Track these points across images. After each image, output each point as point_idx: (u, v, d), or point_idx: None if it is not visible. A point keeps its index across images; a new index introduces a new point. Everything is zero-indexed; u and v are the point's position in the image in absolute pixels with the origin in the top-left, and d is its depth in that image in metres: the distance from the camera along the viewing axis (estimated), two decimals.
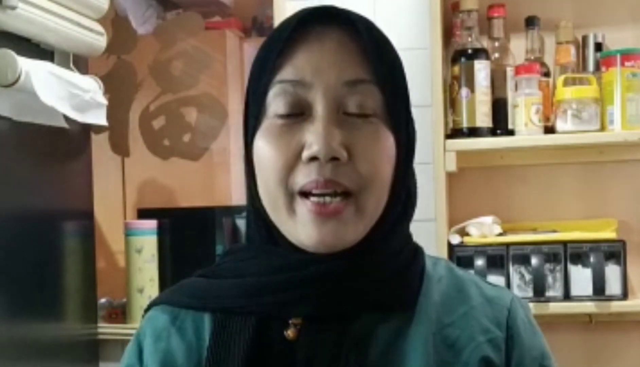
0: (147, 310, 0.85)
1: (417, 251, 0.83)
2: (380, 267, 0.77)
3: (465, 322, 0.78)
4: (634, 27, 1.87)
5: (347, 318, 0.75)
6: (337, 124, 0.74)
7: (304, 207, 0.74)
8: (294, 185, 0.74)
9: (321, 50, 0.76)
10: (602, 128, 1.74)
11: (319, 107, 0.74)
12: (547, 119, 1.79)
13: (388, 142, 0.76)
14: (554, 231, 1.82)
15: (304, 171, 0.74)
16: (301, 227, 0.75)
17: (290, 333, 0.75)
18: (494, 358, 0.76)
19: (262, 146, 0.76)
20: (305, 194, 0.74)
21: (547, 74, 1.84)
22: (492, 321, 0.78)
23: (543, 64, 1.84)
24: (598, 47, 1.83)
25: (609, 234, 1.78)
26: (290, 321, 0.76)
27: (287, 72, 0.76)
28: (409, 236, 0.84)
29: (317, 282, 0.75)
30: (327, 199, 0.74)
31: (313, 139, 0.73)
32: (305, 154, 0.73)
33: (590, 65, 1.83)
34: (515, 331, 0.79)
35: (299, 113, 0.75)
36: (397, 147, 0.78)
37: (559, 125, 1.75)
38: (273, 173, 0.75)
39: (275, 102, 0.76)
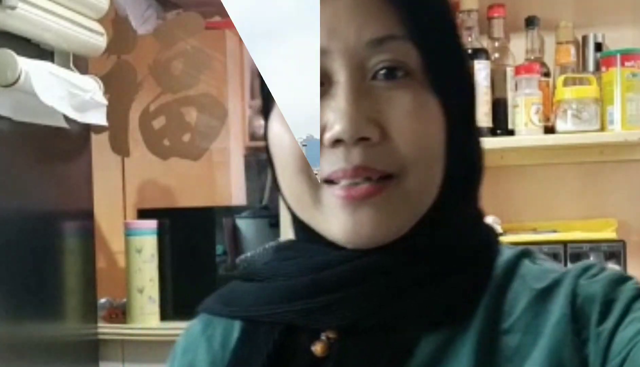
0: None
1: (488, 244, 0.66)
2: (427, 267, 0.61)
3: (525, 324, 0.60)
4: (634, 27, 1.87)
5: (385, 330, 0.60)
6: (363, 95, 0.59)
7: (330, 194, 0.60)
8: (318, 174, 0.60)
9: (335, 6, 0.59)
10: (602, 128, 1.74)
11: (339, 77, 0.59)
12: (547, 119, 1.79)
13: (432, 109, 0.60)
14: (554, 231, 1.82)
15: (328, 158, 0.59)
16: (331, 218, 0.60)
17: (318, 349, 0.62)
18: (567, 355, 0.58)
19: (277, 130, 0.62)
20: (331, 181, 0.60)
21: (547, 74, 1.84)
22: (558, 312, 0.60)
23: (543, 64, 1.84)
24: (598, 47, 1.83)
25: (609, 234, 1.78)
26: (322, 334, 0.62)
27: None
28: (476, 224, 0.66)
29: (346, 285, 0.61)
30: (359, 180, 0.59)
31: (334, 117, 0.58)
32: (327, 137, 0.58)
33: (590, 65, 1.83)
34: (579, 307, 0.59)
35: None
36: (447, 114, 0.61)
37: (559, 125, 1.75)
38: (291, 161, 0.61)
39: None
